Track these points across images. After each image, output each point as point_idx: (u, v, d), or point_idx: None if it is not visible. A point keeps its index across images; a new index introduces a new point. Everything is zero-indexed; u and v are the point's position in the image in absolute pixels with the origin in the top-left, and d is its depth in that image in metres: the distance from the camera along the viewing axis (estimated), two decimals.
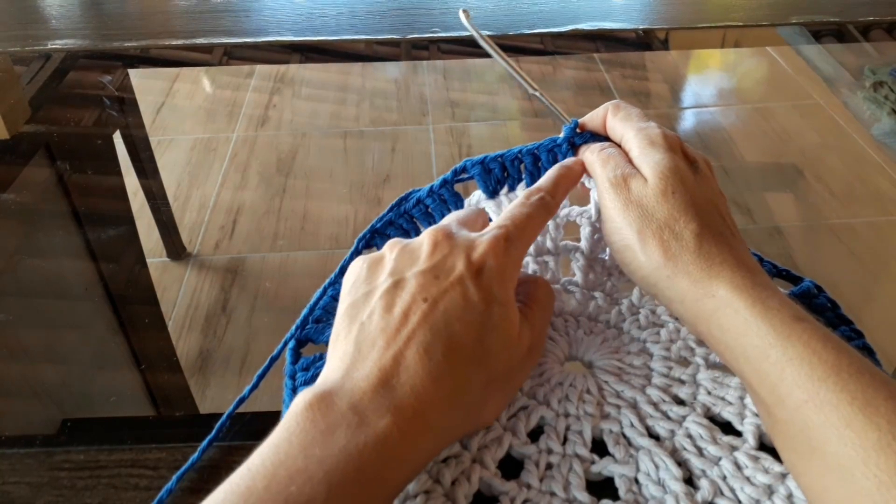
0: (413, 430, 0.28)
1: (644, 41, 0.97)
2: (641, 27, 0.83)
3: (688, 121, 0.95)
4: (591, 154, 0.40)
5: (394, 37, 0.78)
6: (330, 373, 0.30)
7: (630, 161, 0.38)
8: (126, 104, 0.81)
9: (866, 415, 0.26)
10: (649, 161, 0.36)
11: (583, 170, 0.40)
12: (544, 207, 0.36)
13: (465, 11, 0.45)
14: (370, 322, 0.31)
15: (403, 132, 0.94)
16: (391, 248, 0.34)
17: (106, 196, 0.71)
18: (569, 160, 0.40)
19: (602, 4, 0.83)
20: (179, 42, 0.77)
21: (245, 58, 0.92)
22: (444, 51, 0.98)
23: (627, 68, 1.03)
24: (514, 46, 0.89)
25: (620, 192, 0.36)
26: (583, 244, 0.44)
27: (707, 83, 1.03)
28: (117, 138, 0.77)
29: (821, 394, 0.28)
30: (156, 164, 0.83)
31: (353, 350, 0.30)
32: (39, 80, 0.76)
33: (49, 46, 0.76)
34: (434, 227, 0.34)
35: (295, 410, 0.28)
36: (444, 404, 0.29)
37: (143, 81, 0.94)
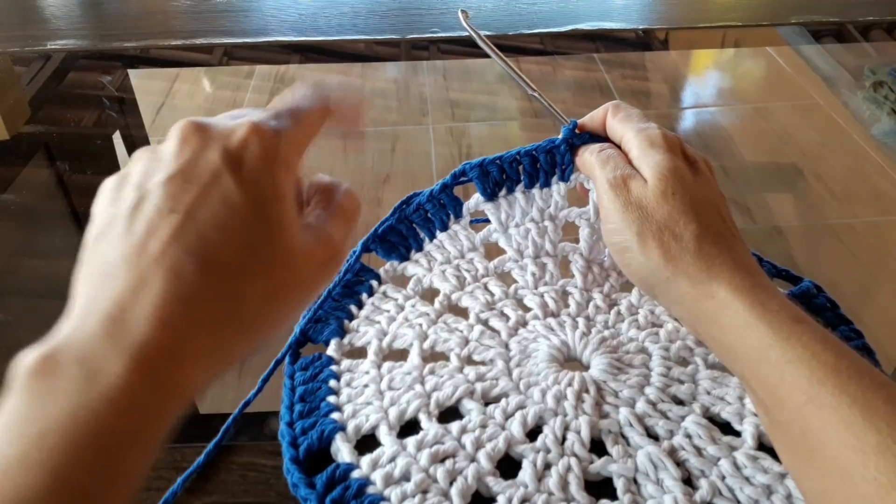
0: (163, 368, 0.23)
1: (644, 41, 0.97)
2: (641, 27, 0.83)
3: (688, 121, 0.95)
4: (590, 155, 0.40)
5: (394, 37, 0.78)
6: (62, 325, 0.24)
7: (629, 162, 0.38)
8: (126, 104, 0.81)
9: (866, 417, 0.26)
10: (649, 162, 0.36)
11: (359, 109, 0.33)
12: (323, 104, 0.30)
13: (463, 12, 0.45)
14: (109, 251, 0.25)
15: (403, 132, 0.94)
16: (137, 158, 0.28)
17: None
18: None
19: (602, 4, 0.83)
20: (179, 42, 0.77)
21: (245, 58, 0.92)
22: (444, 51, 0.98)
23: (627, 68, 1.03)
24: (513, 46, 0.89)
25: (620, 192, 0.36)
26: (582, 245, 0.44)
27: (707, 83, 1.03)
28: (117, 138, 0.77)
29: (820, 396, 0.28)
30: None
31: (87, 289, 0.25)
32: (39, 80, 0.76)
33: (49, 46, 0.76)
34: (184, 119, 0.28)
35: (15, 380, 0.23)
36: (205, 327, 0.24)
37: (143, 81, 0.94)
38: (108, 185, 0.27)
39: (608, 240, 0.37)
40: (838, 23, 0.84)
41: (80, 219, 0.64)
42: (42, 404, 0.22)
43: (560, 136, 0.42)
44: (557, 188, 0.43)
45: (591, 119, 0.42)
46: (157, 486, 0.36)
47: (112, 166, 0.74)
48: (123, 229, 0.25)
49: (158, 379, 0.23)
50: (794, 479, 0.30)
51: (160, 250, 0.24)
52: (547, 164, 0.43)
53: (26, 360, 0.23)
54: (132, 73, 0.84)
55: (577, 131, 0.42)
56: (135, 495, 0.23)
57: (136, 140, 0.80)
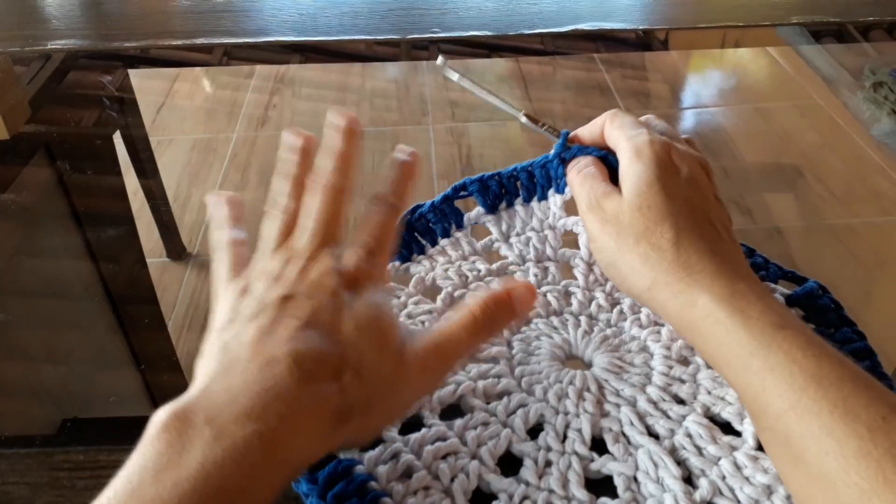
0: (279, 438, 0.26)
1: (644, 41, 0.97)
2: (641, 27, 0.83)
3: (688, 121, 0.95)
4: (572, 176, 0.41)
5: (394, 37, 0.78)
6: (190, 390, 0.28)
7: (608, 176, 0.39)
8: (126, 104, 0.81)
9: (846, 423, 0.26)
10: (630, 175, 0.37)
11: (415, 160, 0.38)
12: (391, 210, 0.36)
13: (442, 56, 0.47)
14: (236, 340, 0.29)
15: (403, 132, 0.94)
16: (257, 276, 0.33)
17: (106, 196, 0.71)
18: (403, 153, 0.38)
19: (602, 4, 0.83)
20: (179, 42, 0.77)
21: (245, 58, 0.92)
22: (444, 51, 0.98)
23: (627, 68, 1.03)
24: (513, 46, 0.89)
25: (596, 213, 0.37)
26: (582, 251, 0.44)
27: (707, 83, 1.03)
28: (117, 138, 0.77)
29: (802, 402, 0.28)
30: (156, 165, 0.83)
31: (215, 365, 0.29)
32: (39, 80, 0.76)
33: (49, 46, 0.76)
34: (294, 250, 0.33)
35: (150, 432, 0.26)
36: (308, 417, 0.27)
37: (143, 81, 0.94)
38: (230, 292, 0.32)
39: (596, 258, 0.39)
40: (838, 23, 0.84)
41: (80, 219, 0.64)
42: (178, 454, 0.25)
43: (552, 152, 0.44)
44: (554, 200, 0.45)
45: (590, 128, 0.43)
46: None
47: (112, 166, 0.74)
48: (253, 328, 0.29)
49: (274, 449, 0.26)
50: (784, 484, 0.30)
51: (283, 344, 0.28)
52: (543, 178, 0.45)
53: (161, 414, 0.26)
54: (132, 73, 0.84)
55: (569, 144, 0.43)
56: None
57: (136, 140, 0.80)
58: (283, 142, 0.36)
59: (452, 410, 0.36)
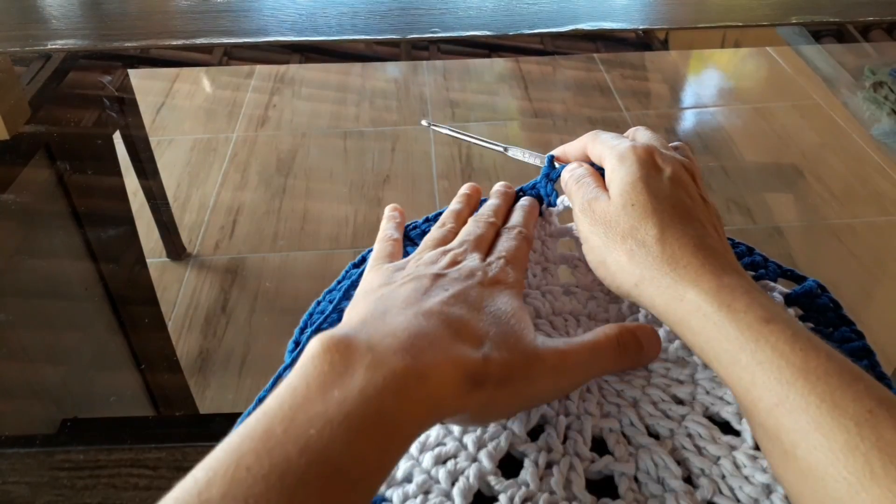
0: (430, 378, 0.28)
1: (644, 41, 0.97)
2: (641, 27, 0.83)
3: (688, 121, 0.95)
4: (570, 184, 0.43)
5: (394, 37, 0.78)
6: (345, 323, 0.31)
7: (602, 182, 0.41)
8: (126, 104, 0.81)
9: (834, 417, 0.26)
10: (615, 178, 0.39)
11: (538, 206, 0.46)
12: (525, 239, 0.41)
13: (425, 119, 0.54)
14: (391, 293, 0.33)
15: (403, 132, 0.94)
16: (414, 260, 0.38)
17: (106, 196, 0.71)
18: (525, 201, 0.45)
19: (602, 4, 0.83)
20: (179, 42, 0.77)
21: (245, 58, 0.92)
22: (444, 51, 0.98)
23: (627, 68, 1.03)
24: (513, 46, 0.89)
25: (586, 214, 0.39)
26: (578, 252, 0.44)
27: (707, 83, 1.03)
28: (117, 138, 0.77)
29: (790, 397, 0.28)
30: (156, 165, 0.83)
31: (371, 309, 0.31)
32: (39, 80, 0.76)
33: (49, 46, 0.76)
34: (450, 248, 0.39)
35: (312, 353, 0.27)
36: (460, 364, 0.29)
37: (143, 81, 0.94)
38: (381, 268, 0.38)
39: (588, 259, 0.40)
40: (838, 23, 0.84)
41: (80, 219, 0.64)
42: (341, 375, 0.26)
43: (540, 174, 0.46)
44: (548, 213, 0.46)
45: (572, 147, 0.45)
46: (159, 485, 0.36)
47: (112, 166, 0.74)
48: (407, 289, 0.33)
49: (426, 384, 0.28)
50: (778, 480, 0.30)
51: (436, 304, 0.32)
52: (533, 196, 0.47)
53: (321, 339, 0.28)
54: (132, 73, 0.84)
55: (554, 164, 0.46)
56: (385, 478, 0.27)
57: (136, 140, 0.80)
58: (459, 192, 0.46)
59: None
